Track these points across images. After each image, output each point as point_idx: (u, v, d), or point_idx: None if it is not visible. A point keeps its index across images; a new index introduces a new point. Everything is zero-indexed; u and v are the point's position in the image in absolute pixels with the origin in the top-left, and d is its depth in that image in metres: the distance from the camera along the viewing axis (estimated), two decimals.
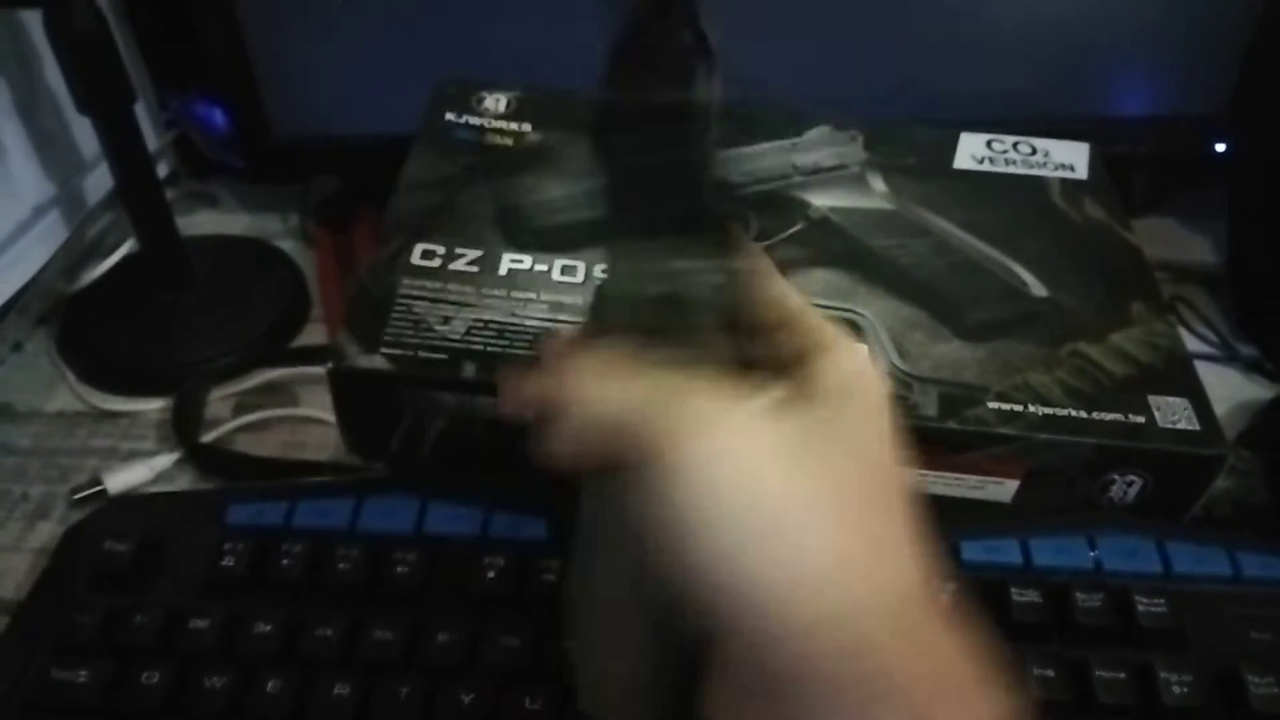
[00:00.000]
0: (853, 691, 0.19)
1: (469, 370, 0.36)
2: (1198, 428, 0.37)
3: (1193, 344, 0.50)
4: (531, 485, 0.37)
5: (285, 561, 0.34)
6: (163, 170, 0.61)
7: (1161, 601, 0.33)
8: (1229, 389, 0.48)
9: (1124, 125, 0.54)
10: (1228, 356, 0.51)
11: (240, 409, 0.47)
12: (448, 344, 0.37)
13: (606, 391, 0.21)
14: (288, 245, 0.57)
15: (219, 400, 0.47)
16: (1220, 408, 0.38)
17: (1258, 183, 0.53)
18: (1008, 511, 0.38)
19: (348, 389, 0.37)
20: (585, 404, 0.21)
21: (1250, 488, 0.43)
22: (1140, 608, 0.33)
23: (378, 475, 0.40)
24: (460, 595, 0.34)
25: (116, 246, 0.54)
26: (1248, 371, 0.50)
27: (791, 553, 0.19)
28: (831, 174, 0.47)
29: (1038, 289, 0.42)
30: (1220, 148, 0.54)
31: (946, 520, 0.36)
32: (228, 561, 0.34)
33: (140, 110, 0.58)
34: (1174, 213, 0.59)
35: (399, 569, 0.34)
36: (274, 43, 0.52)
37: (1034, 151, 0.49)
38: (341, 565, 0.34)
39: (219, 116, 0.59)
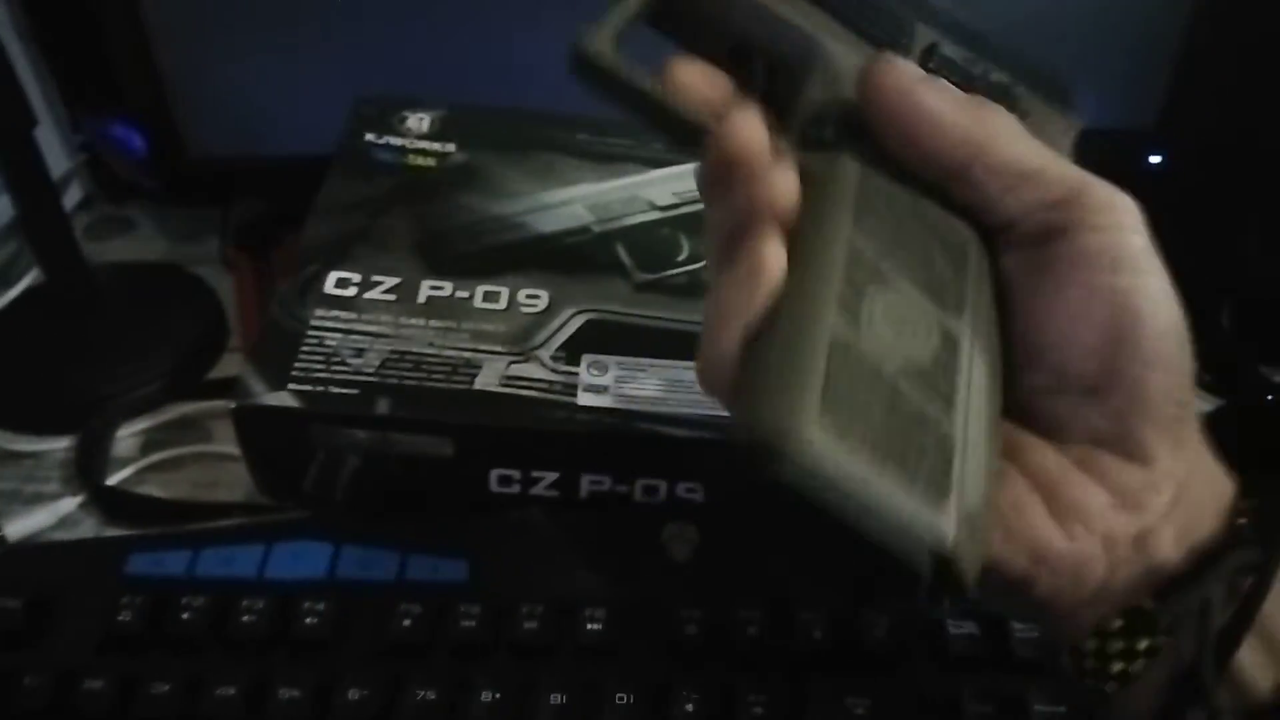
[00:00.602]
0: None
1: (383, 406, 0.35)
2: None
3: None
4: (450, 524, 0.35)
5: (186, 615, 0.32)
6: (76, 195, 0.59)
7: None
8: None
9: None
10: None
11: (150, 446, 0.44)
12: (361, 378, 0.35)
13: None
14: (207, 271, 0.55)
15: (128, 437, 0.45)
16: None
17: (1190, 198, 0.53)
18: None
19: (254, 428, 0.35)
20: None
21: None
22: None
23: (288, 518, 0.38)
24: (374, 645, 0.32)
25: (20, 276, 0.51)
26: None
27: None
28: None
29: None
30: (1154, 160, 0.54)
31: None
32: (124, 616, 0.32)
33: (52, 132, 0.56)
34: None
35: (308, 620, 0.32)
36: (187, 59, 0.50)
37: None
38: (246, 618, 0.32)
39: (135, 138, 0.57)
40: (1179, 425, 0.23)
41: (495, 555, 0.35)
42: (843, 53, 0.25)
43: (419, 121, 0.47)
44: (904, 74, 0.23)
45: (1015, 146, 0.23)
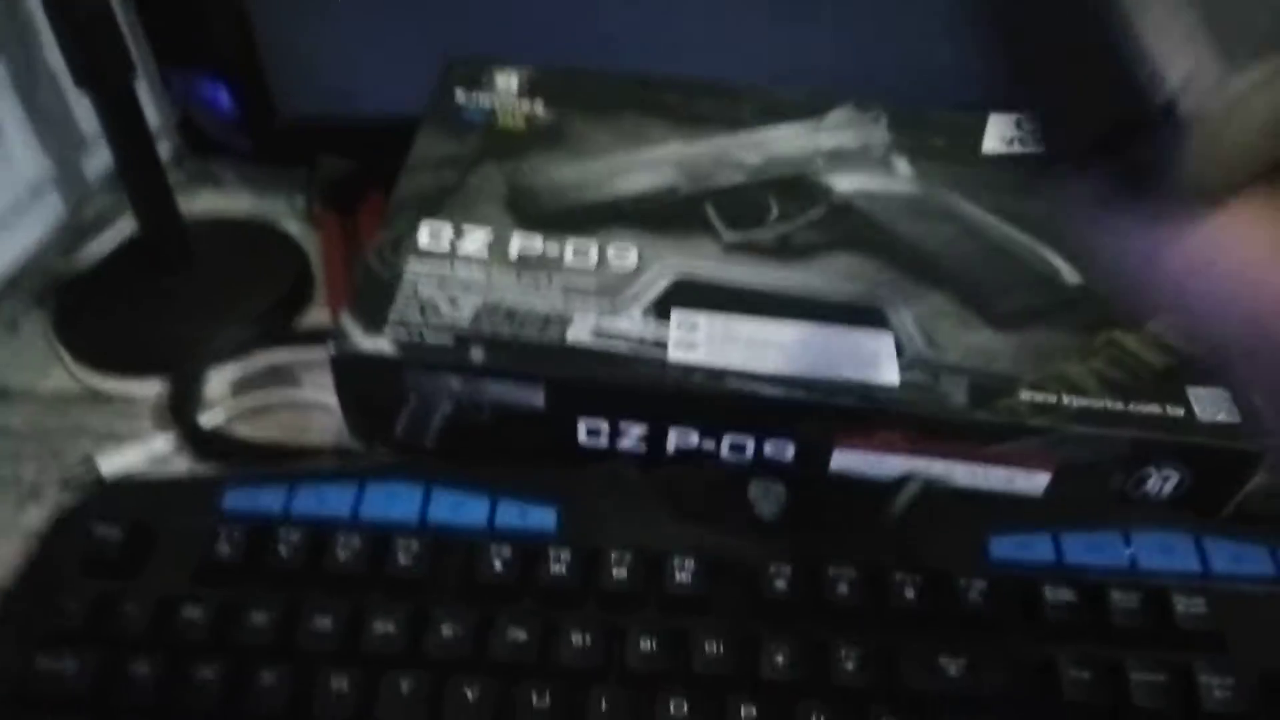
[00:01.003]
0: None
1: (476, 355, 0.35)
2: (1238, 420, 0.35)
3: None
4: (540, 473, 0.35)
5: (283, 549, 0.33)
6: (165, 150, 0.60)
7: (1201, 601, 0.32)
8: None
9: None
10: None
11: (240, 392, 0.45)
12: (455, 328, 0.36)
13: None
14: (293, 228, 0.55)
15: (219, 383, 0.46)
16: None
17: None
18: (1038, 506, 0.36)
19: (350, 372, 0.36)
20: None
21: None
22: (1179, 608, 0.32)
23: (380, 461, 0.38)
24: (465, 586, 0.32)
25: (116, 227, 0.53)
26: None
27: None
28: (855, 157, 0.45)
29: (1071, 276, 0.40)
30: None
31: (974, 514, 0.35)
32: (222, 548, 0.33)
33: (142, 89, 0.57)
34: None
35: (401, 559, 0.33)
36: (280, 20, 0.51)
37: None
38: (342, 554, 0.33)
39: (224, 96, 0.57)
40: None
41: (583, 505, 0.35)
42: None
43: (508, 81, 0.47)
44: None
45: None
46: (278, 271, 0.51)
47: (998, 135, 0.46)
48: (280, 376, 0.46)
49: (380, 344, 0.35)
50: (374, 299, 0.36)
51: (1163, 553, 0.34)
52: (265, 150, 0.56)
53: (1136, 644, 0.31)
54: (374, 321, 0.36)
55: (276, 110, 0.54)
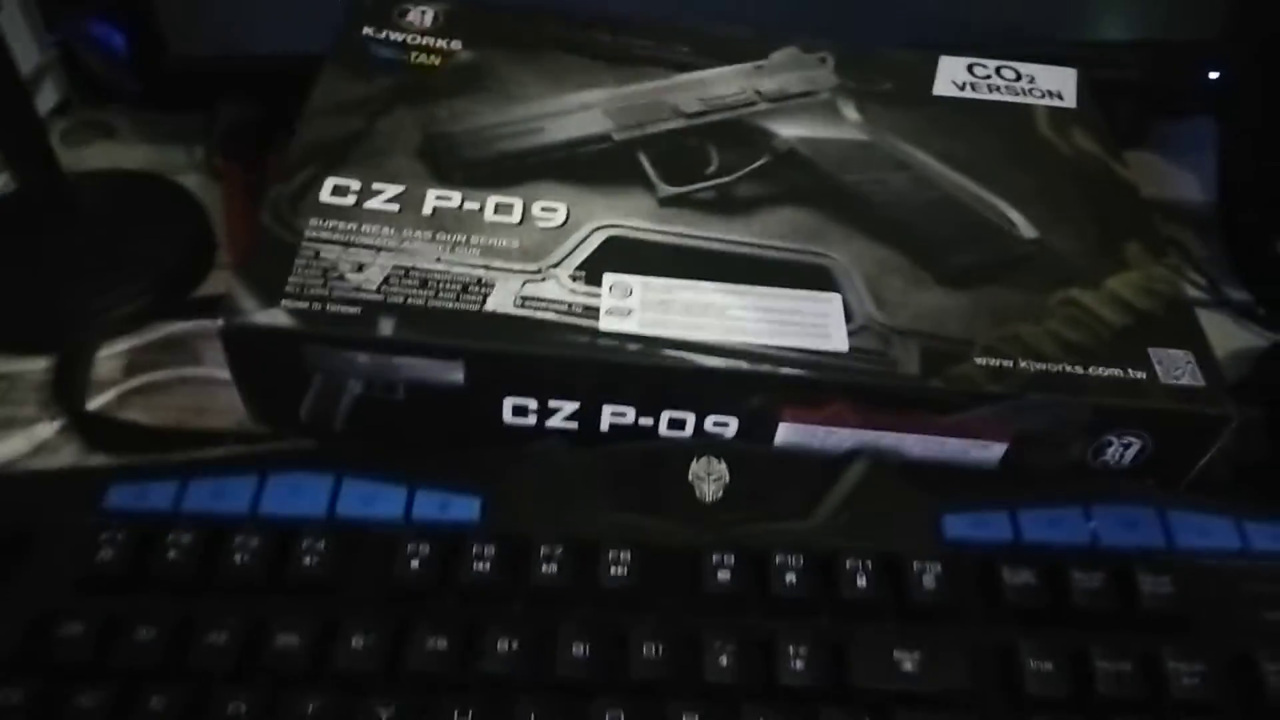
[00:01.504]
0: None
1: (386, 326, 0.31)
2: (1202, 383, 0.34)
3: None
4: (462, 458, 0.32)
5: (172, 552, 0.30)
6: (51, 98, 0.55)
7: (1166, 580, 0.30)
8: (1219, 336, 0.45)
9: (1109, 50, 0.49)
10: (1216, 301, 0.48)
11: (133, 368, 0.41)
12: (362, 295, 0.32)
13: None
14: (192, 180, 0.51)
15: (110, 358, 0.42)
16: None
17: (1252, 115, 0.49)
18: (994, 480, 0.34)
19: (245, 349, 0.32)
20: None
21: (1247, 445, 0.39)
22: (1144, 588, 0.30)
23: (283, 447, 0.35)
24: (379, 589, 0.29)
25: None
26: (1238, 318, 0.47)
27: None
28: (799, 101, 0.42)
29: (1026, 229, 0.38)
30: (1213, 75, 0.50)
31: (927, 492, 0.33)
32: (105, 554, 0.30)
33: (19, 28, 0.52)
34: (1157, 147, 0.55)
35: (306, 559, 0.29)
36: None
37: (1019, 77, 0.44)
38: (239, 556, 0.29)
39: (113, 35, 0.52)
40: None
41: (509, 492, 0.32)
42: None
43: (422, 15, 0.42)
44: None
45: None
46: (175, 230, 0.47)
47: (948, 78, 0.43)
48: (178, 350, 0.42)
49: (276, 316, 0.31)
50: (269, 264, 0.33)
51: (1125, 527, 0.32)
52: (158, 94, 0.51)
53: (1100, 627, 0.30)
54: (269, 290, 0.32)
55: (170, 49, 0.49)
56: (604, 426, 0.34)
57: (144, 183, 0.50)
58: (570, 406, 0.33)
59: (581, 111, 0.40)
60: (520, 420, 0.34)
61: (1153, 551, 0.31)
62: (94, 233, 0.45)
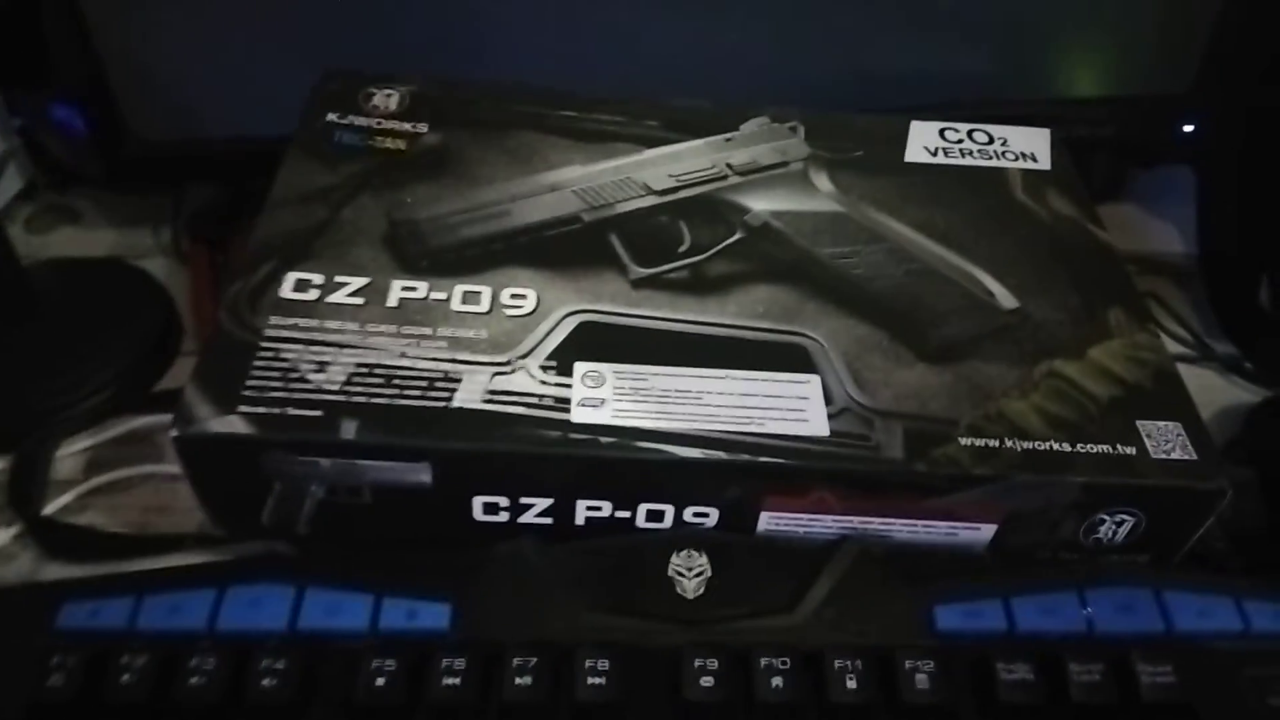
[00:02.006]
0: None
1: (349, 429, 0.30)
2: (1194, 456, 0.33)
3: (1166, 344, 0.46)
4: (431, 562, 0.31)
5: (126, 676, 0.28)
6: (16, 183, 0.54)
7: (1168, 669, 0.29)
8: (1205, 392, 0.44)
9: (1083, 107, 0.49)
10: (1202, 356, 0.47)
11: (94, 467, 0.40)
12: (324, 397, 0.31)
13: None
14: (159, 264, 0.50)
15: (69, 456, 0.40)
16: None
17: (1229, 164, 0.48)
18: (986, 566, 0.33)
19: (201, 458, 0.31)
20: None
21: (1242, 508, 0.38)
22: (1144, 678, 0.29)
23: (245, 556, 0.33)
24: (343, 709, 0.28)
25: None
26: (1225, 372, 0.46)
27: None
28: (771, 172, 0.41)
29: (1006, 299, 0.37)
30: (1187, 128, 0.49)
31: (918, 582, 0.32)
32: (55, 680, 0.28)
33: None
34: (1135, 199, 0.55)
35: (266, 681, 0.28)
36: (127, 29, 0.45)
37: (991, 140, 0.44)
38: (194, 679, 0.28)
39: (76, 119, 0.51)
40: None
41: (481, 597, 0.30)
42: None
43: (387, 99, 0.42)
44: None
45: None
46: (139, 319, 0.46)
47: (920, 144, 0.43)
48: (141, 445, 0.41)
49: (233, 424, 0.30)
50: (227, 366, 0.32)
51: (1122, 612, 0.31)
52: (125, 178, 0.51)
53: None
54: (226, 395, 0.31)
55: (132, 132, 0.48)
56: (579, 521, 0.33)
57: (106, 269, 0.49)
58: (544, 503, 0.32)
59: (550, 193, 0.39)
60: (492, 518, 0.33)
61: (1151, 637, 0.30)
62: (53, 325, 0.44)
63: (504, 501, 0.32)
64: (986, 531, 0.33)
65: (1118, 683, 0.29)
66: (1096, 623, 0.30)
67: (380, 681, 0.28)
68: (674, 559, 0.32)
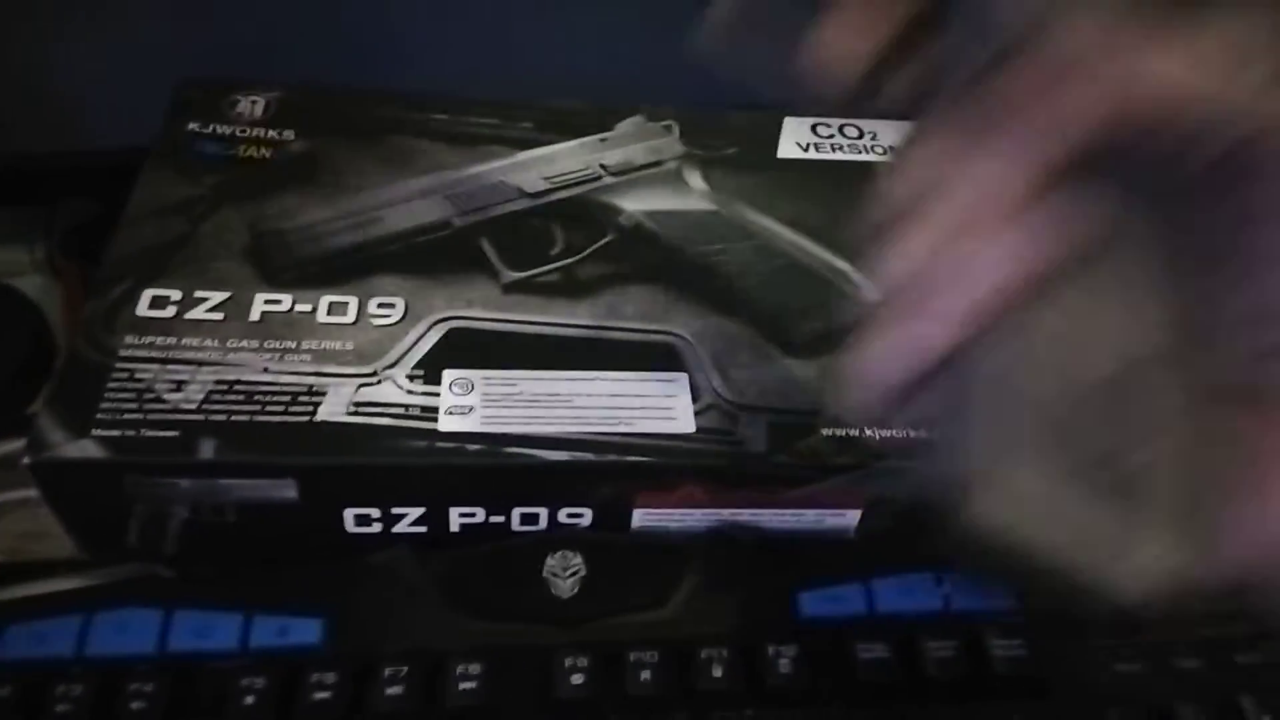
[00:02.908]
0: None
1: (207, 449, 0.30)
2: None
3: None
4: (300, 575, 0.31)
5: None
6: None
7: (1019, 642, 0.30)
8: None
9: None
10: None
11: None
12: (180, 417, 0.31)
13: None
14: (33, 281, 0.48)
15: None
16: None
17: None
18: (849, 552, 0.34)
19: (58, 483, 0.30)
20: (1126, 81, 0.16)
21: None
22: (996, 652, 0.30)
23: (111, 582, 0.33)
24: None
25: None
26: None
27: None
28: (645, 172, 0.42)
29: (871, 292, 0.38)
30: None
31: (781, 570, 0.32)
32: None
33: None
34: None
35: (135, 704, 0.28)
36: None
37: (861, 134, 0.45)
38: (60, 707, 0.28)
39: None
40: None
41: (353, 609, 0.30)
42: None
43: (251, 106, 0.41)
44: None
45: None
46: (9, 340, 0.44)
47: (793, 140, 0.44)
48: (13, 470, 0.40)
49: (86, 448, 0.30)
50: (80, 389, 0.31)
51: (976, 591, 0.32)
52: None
53: (957, 697, 0.29)
54: (78, 419, 0.30)
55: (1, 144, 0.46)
56: (454, 528, 0.33)
57: None
58: (416, 511, 0.32)
59: (420, 198, 0.39)
60: (364, 529, 0.33)
61: (1004, 614, 0.32)
62: None
63: (375, 513, 0.32)
64: (852, 517, 0.34)
65: (971, 658, 0.30)
66: (952, 601, 0.32)
67: (249, 700, 0.28)
68: (548, 560, 0.32)
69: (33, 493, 0.39)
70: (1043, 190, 0.18)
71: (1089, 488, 0.19)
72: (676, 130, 0.43)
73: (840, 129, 0.45)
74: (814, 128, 0.45)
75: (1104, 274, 0.19)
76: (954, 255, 0.19)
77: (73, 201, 0.52)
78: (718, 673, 0.29)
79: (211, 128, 0.40)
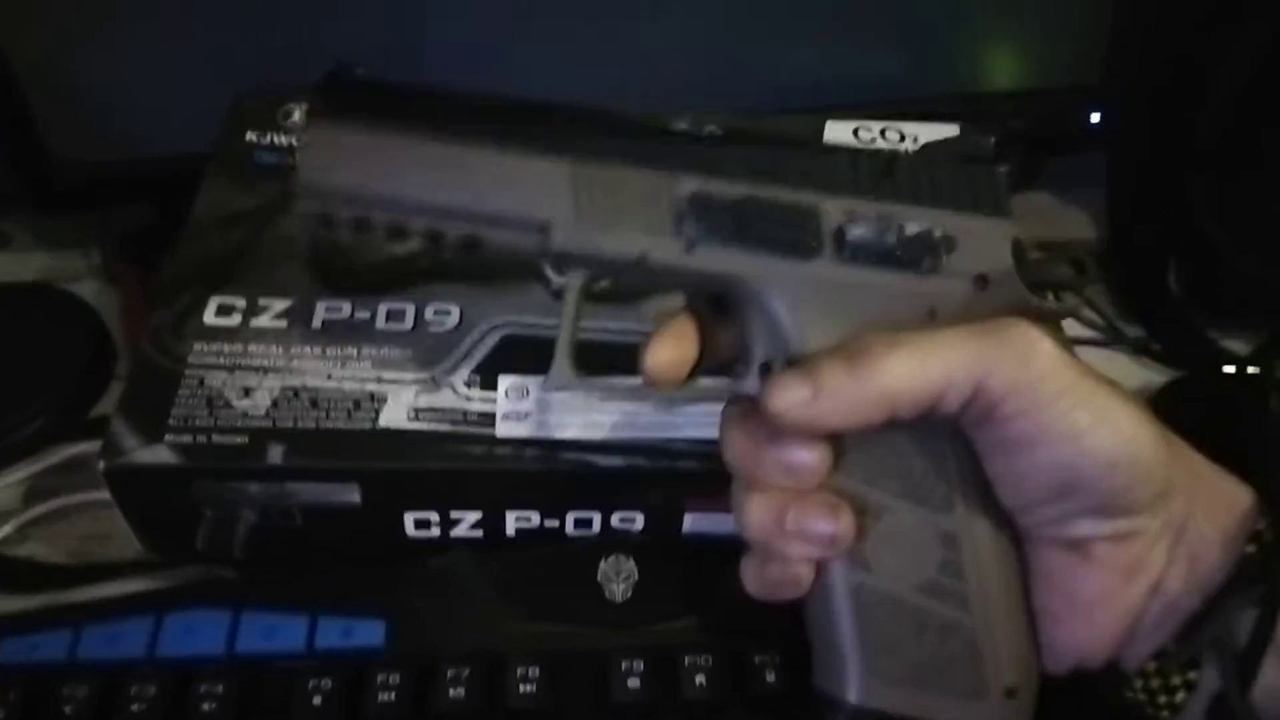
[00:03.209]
0: None
1: (275, 454, 0.31)
2: None
3: (1075, 329, 0.48)
4: (363, 578, 0.32)
5: (68, 708, 0.29)
6: None
7: None
8: (1116, 376, 0.46)
9: (994, 101, 0.51)
10: (1114, 340, 0.49)
11: (32, 496, 0.40)
12: (249, 423, 0.32)
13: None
14: (91, 287, 0.50)
15: (8, 487, 0.40)
16: None
17: (1136, 152, 0.50)
18: None
19: (131, 488, 0.31)
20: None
21: None
22: None
23: (181, 585, 0.34)
24: None
25: None
26: (1135, 355, 0.48)
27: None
28: None
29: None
30: (1095, 118, 0.51)
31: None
32: None
33: None
34: (1049, 186, 0.56)
35: (205, 705, 0.29)
36: (43, 50, 0.45)
37: (902, 138, 0.45)
38: (135, 707, 0.29)
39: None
40: (1154, 482, 0.25)
41: (414, 612, 0.31)
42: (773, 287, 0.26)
43: (307, 115, 0.42)
44: (788, 398, 0.24)
45: (910, 372, 0.24)
46: (69, 345, 0.46)
47: (834, 142, 0.44)
48: (78, 472, 0.41)
49: (159, 453, 0.31)
50: (152, 396, 0.32)
51: None
52: (49, 199, 0.50)
53: None
54: (151, 425, 0.31)
55: (54, 155, 0.48)
56: (510, 532, 0.34)
57: (35, 295, 0.48)
58: (473, 516, 0.33)
59: None
60: (423, 533, 0.33)
61: None
62: None
63: (434, 517, 0.33)
64: None
65: None
66: None
67: (317, 701, 0.29)
68: (602, 565, 0.33)
69: (97, 495, 0.40)
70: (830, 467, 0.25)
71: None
72: (720, 135, 0.44)
73: (882, 132, 0.45)
74: (855, 131, 0.45)
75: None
76: (786, 520, 0.25)
77: (128, 208, 0.53)
78: (771, 677, 0.30)
79: (268, 138, 0.41)
